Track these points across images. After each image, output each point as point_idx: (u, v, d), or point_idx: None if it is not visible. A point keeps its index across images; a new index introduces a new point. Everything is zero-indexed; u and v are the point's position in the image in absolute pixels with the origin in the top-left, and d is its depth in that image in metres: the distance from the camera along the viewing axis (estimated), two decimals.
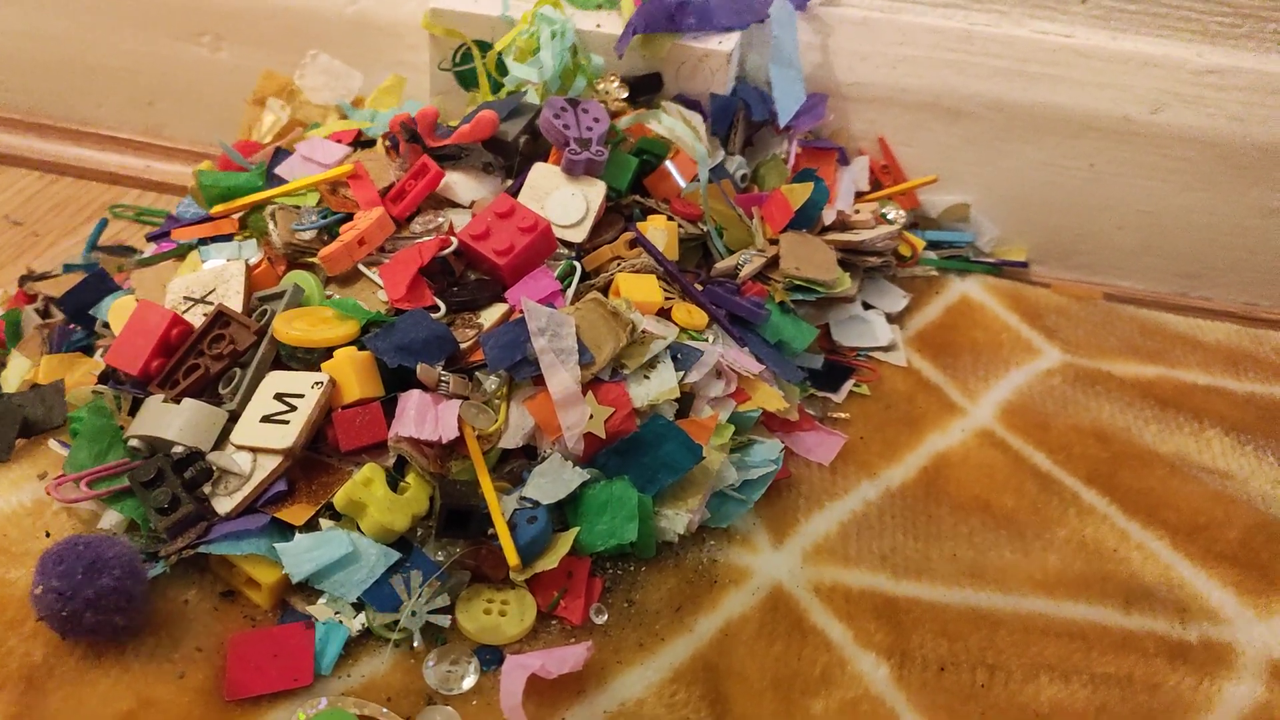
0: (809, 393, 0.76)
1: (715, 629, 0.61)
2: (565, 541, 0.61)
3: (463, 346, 0.65)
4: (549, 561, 0.60)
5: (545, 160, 0.76)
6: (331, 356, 0.63)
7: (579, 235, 0.72)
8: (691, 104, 0.85)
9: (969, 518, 0.69)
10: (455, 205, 0.74)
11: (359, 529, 0.60)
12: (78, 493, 0.61)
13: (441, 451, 0.62)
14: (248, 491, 0.60)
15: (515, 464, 0.64)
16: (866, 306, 0.85)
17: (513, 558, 0.58)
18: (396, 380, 0.64)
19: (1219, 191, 0.89)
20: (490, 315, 0.67)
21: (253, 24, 0.99)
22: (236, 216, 0.77)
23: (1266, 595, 0.65)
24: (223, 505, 0.60)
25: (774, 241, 0.79)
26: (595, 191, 0.73)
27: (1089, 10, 0.87)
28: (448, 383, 0.63)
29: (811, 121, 0.89)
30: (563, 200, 0.72)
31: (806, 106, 0.88)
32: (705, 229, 0.78)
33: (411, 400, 0.62)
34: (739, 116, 0.87)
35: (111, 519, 0.61)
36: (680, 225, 0.76)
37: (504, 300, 0.68)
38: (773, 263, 0.78)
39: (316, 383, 0.61)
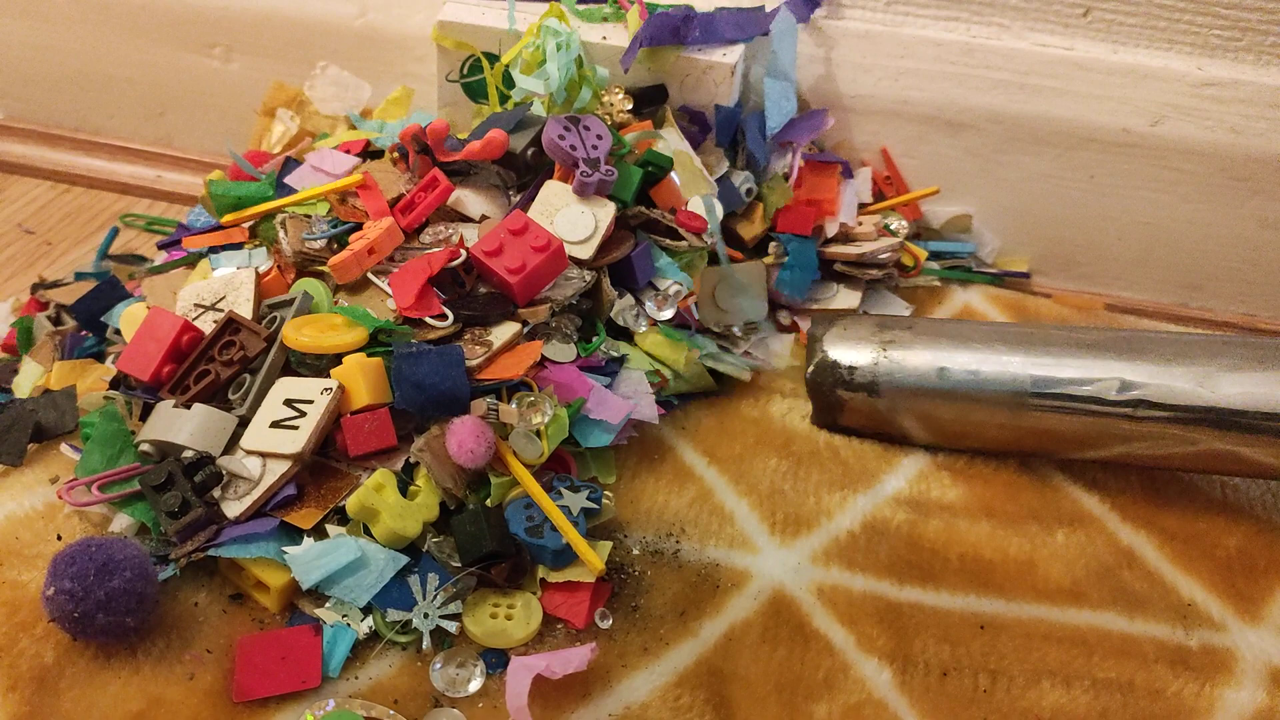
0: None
1: (719, 633, 0.61)
2: (604, 548, 0.62)
3: (471, 364, 0.65)
4: (583, 574, 0.61)
5: (551, 172, 0.76)
6: (340, 363, 0.64)
7: (586, 252, 0.73)
8: (696, 115, 0.85)
9: (974, 525, 0.69)
10: (465, 219, 0.75)
11: (365, 532, 0.61)
12: (89, 496, 0.62)
13: (471, 476, 0.63)
14: (257, 495, 0.60)
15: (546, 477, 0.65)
16: None
17: (596, 562, 0.60)
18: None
19: (1219, 203, 0.90)
20: (501, 333, 0.68)
21: (263, 36, 1.00)
22: (247, 225, 0.78)
23: (1266, 602, 0.66)
24: (232, 509, 0.60)
25: None
26: (605, 212, 0.74)
27: (1089, 23, 0.88)
28: (495, 410, 0.63)
29: (808, 133, 0.90)
30: (571, 217, 0.73)
31: (804, 118, 0.89)
32: (711, 240, 0.79)
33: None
34: (742, 130, 0.87)
35: (122, 522, 0.62)
36: (685, 238, 0.77)
37: (515, 319, 0.69)
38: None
39: (325, 389, 0.62)
